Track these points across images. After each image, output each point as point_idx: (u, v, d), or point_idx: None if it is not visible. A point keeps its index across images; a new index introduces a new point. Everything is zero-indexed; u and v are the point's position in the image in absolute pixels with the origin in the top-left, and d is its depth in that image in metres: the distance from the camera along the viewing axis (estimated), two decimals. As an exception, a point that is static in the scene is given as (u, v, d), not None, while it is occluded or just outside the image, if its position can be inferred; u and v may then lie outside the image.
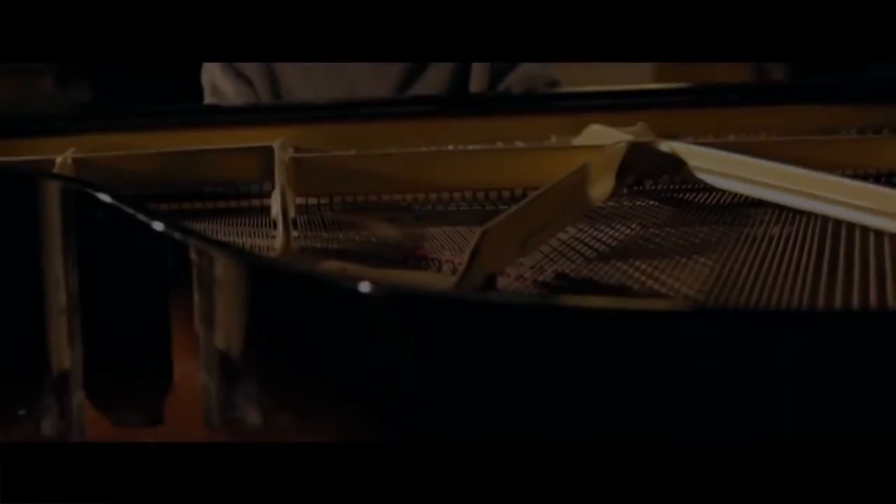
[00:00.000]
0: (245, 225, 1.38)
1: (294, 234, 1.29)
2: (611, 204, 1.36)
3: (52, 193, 1.20)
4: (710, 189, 1.39)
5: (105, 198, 1.13)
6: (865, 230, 1.20)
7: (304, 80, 2.01)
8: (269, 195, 1.42)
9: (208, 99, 2.10)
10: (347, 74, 1.99)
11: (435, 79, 2.00)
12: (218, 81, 2.07)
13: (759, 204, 1.32)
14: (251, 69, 2.04)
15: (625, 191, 1.41)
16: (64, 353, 1.20)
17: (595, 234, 1.25)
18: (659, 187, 1.42)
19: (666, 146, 1.40)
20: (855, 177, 1.40)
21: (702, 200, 1.38)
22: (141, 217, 1.08)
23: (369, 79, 1.98)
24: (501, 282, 1.11)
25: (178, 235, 1.03)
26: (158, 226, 1.06)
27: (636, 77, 4.38)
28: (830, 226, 1.23)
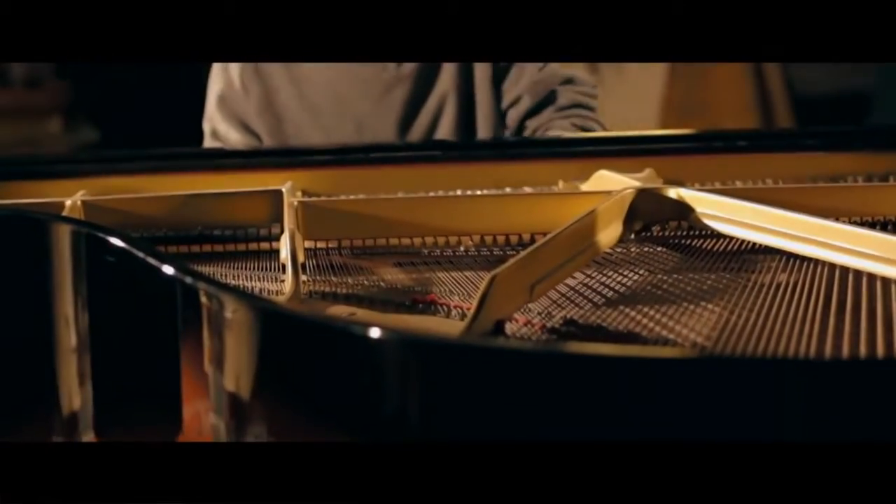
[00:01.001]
0: (254, 268, 1.39)
1: (303, 278, 1.30)
2: (619, 250, 1.37)
3: (63, 236, 1.21)
4: (717, 235, 1.39)
5: (116, 241, 1.14)
6: (872, 277, 1.20)
7: (310, 119, 2.01)
8: (277, 239, 1.43)
9: (208, 144, 2.10)
10: (353, 112, 2.00)
11: (440, 107, 2.00)
12: (218, 126, 2.07)
13: (767, 251, 1.33)
14: (252, 112, 2.04)
15: (632, 237, 1.41)
16: (74, 392, 1.20)
17: (603, 279, 1.25)
18: (666, 233, 1.43)
19: (673, 192, 1.41)
20: (862, 224, 1.40)
21: (709, 247, 1.38)
22: (151, 261, 1.09)
23: (374, 115, 1.99)
24: (510, 328, 1.11)
25: (188, 280, 1.04)
26: (168, 269, 1.07)
27: (643, 122, 4.41)
28: (838, 273, 1.23)
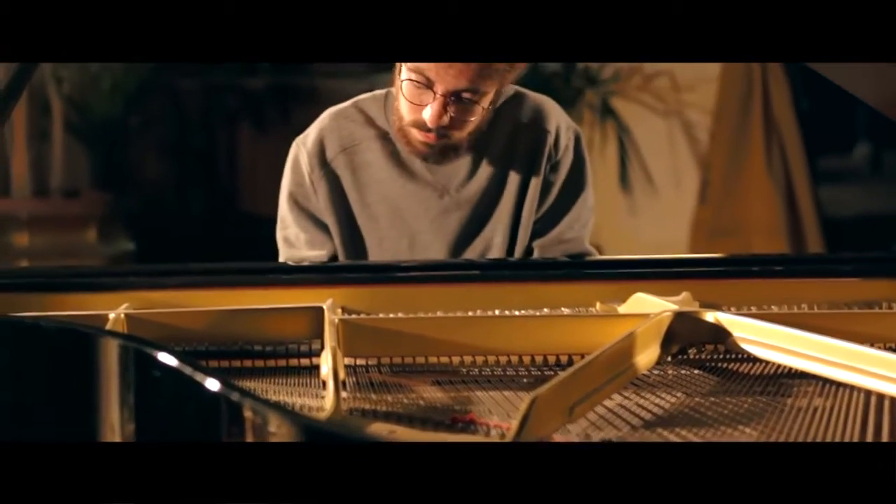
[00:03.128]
0: (294, 384, 1.40)
1: (343, 394, 1.31)
2: (656, 372, 1.38)
3: (111, 350, 1.23)
4: (753, 359, 1.40)
5: (165, 358, 1.15)
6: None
7: (368, 225, 2.01)
8: (318, 355, 1.45)
9: (282, 252, 2.11)
10: (408, 228, 2.01)
11: (493, 234, 2.02)
12: (289, 230, 2.08)
13: (803, 375, 1.34)
14: (322, 209, 2.05)
15: (669, 359, 1.42)
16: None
17: (641, 402, 1.26)
18: (703, 357, 1.44)
19: (710, 316, 1.43)
20: (897, 351, 1.42)
21: (746, 370, 1.39)
22: (198, 377, 1.11)
23: (429, 234, 2.00)
24: (549, 448, 1.12)
25: (234, 396, 1.06)
26: (214, 385, 1.09)
27: (675, 244, 4.44)
28: (874, 399, 1.24)
